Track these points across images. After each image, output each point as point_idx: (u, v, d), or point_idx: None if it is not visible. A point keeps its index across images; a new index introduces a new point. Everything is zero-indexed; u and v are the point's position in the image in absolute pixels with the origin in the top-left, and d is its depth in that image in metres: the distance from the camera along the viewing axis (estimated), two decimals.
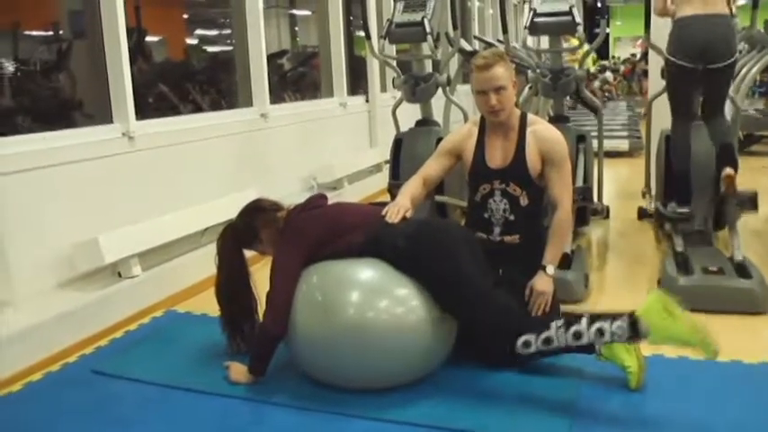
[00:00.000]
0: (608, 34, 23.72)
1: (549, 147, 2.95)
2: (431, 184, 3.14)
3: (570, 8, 4.48)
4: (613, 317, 2.37)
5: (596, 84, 17.88)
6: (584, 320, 2.39)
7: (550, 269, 2.91)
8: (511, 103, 2.94)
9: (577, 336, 2.39)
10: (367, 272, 2.61)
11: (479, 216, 3.04)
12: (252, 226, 2.90)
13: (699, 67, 3.85)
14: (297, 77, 8.29)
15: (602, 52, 22.49)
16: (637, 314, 2.33)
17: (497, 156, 3.01)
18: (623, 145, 8.94)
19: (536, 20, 4.59)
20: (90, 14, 4.30)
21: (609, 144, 7.77)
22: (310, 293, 2.61)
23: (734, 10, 4.01)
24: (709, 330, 2.26)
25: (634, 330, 2.33)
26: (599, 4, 7.90)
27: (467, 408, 2.47)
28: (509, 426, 2.35)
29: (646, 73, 12.72)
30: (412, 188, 3.01)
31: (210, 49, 9.02)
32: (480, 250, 2.75)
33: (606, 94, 17.95)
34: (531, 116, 3.07)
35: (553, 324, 2.42)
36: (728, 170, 3.84)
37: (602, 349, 2.60)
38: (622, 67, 20.69)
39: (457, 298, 2.56)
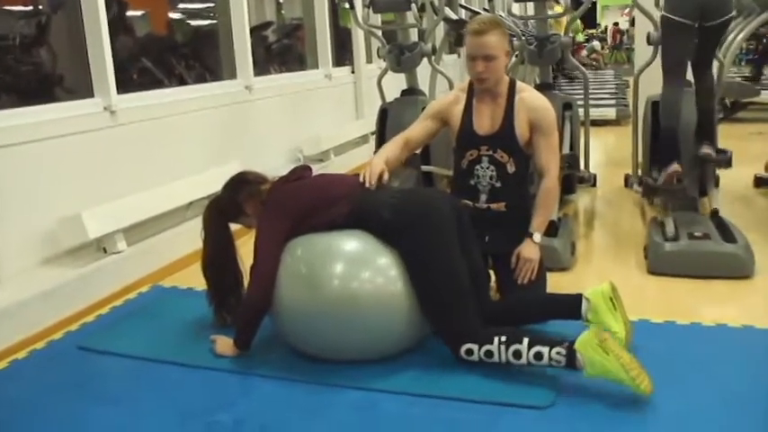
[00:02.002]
0: (595, 2, 23.60)
1: (538, 114, 2.94)
2: (413, 147, 3.12)
3: None
4: (553, 344, 2.35)
5: (584, 53, 17.86)
6: (525, 341, 2.37)
7: (537, 236, 2.92)
8: (499, 72, 2.92)
9: (517, 355, 2.37)
10: (351, 243, 2.58)
11: (465, 183, 3.03)
12: (236, 199, 2.86)
13: (695, 24, 3.79)
14: (282, 50, 8.19)
15: (590, 21, 22.41)
16: (575, 347, 2.30)
17: (485, 122, 2.99)
18: (610, 113, 8.96)
19: None
20: None
21: (596, 112, 7.78)
22: (294, 266, 2.58)
23: None
24: (639, 366, 2.25)
25: (571, 361, 2.31)
26: None
27: (453, 376, 2.46)
28: (494, 393, 2.35)
29: None
30: (389, 150, 2.99)
31: (194, 22, 8.90)
32: (468, 218, 2.73)
33: (594, 63, 17.91)
34: (519, 83, 3.05)
35: (496, 339, 2.40)
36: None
37: (589, 314, 2.61)
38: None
39: (424, 280, 2.52)
